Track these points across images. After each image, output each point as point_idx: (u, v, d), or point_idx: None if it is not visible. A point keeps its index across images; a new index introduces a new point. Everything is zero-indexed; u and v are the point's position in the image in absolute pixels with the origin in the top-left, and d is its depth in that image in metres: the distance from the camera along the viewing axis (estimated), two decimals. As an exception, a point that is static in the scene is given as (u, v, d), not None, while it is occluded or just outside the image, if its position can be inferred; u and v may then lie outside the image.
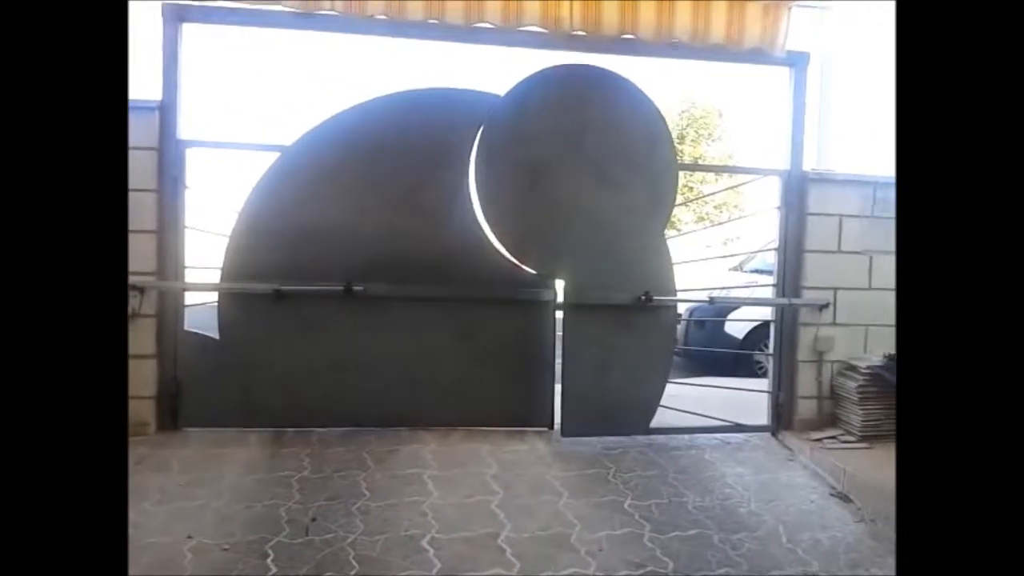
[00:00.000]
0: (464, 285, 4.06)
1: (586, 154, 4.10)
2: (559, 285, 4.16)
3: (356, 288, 3.91)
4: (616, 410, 4.20)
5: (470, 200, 4.07)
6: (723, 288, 6.07)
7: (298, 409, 4.01)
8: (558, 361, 4.21)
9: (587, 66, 4.11)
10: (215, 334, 3.97)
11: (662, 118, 4.25)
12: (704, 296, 4.86)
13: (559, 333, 4.20)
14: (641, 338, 4.21)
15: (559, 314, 4.19)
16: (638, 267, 4.17)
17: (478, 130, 4.04)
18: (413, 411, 4.12)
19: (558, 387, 4.22)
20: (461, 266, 4.06)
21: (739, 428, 4.36)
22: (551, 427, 4.24)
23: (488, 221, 4.07)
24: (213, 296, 3.97)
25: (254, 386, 3.97)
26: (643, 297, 4.10)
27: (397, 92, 4.02)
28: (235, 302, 3.95)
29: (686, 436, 4.27)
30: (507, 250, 4.10)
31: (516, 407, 4.25)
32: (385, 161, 4.00)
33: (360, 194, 4.00)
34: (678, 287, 4.26)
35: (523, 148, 4.07)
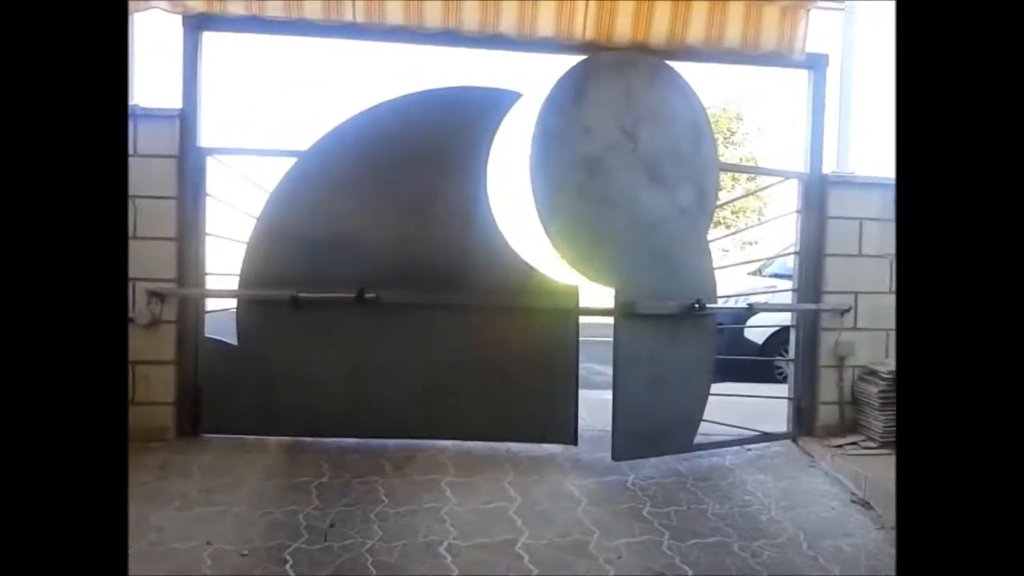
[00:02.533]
0: (483, 292, 3.96)
1: (639, 150, 3.90)
2: (609, 293, 3.95)
3: (368, 295, 3.83)
4: (668, 428, 3.99)
5: (488, 203, 3.97)
6: (745, 294, 6.02)
7: (316, 416, 3.98)
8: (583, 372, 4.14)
9: (639, 53, 3.96)
10: (234, 340, 3.98)
11: (706, 113, 4.12)
12: (742, 303, 4.80)
13: (584, 342, 4.08)
14: (690, 349, 4.03)
15: (584, 322, 4.07)
16: (689, 273, 4.01)
17: (495, 129, 3.94)
18: (430, 423, 4.00)
19: (582, 396, 4.12)
20: (479, 272, 3.97)
21: (761, 436, 4.30)
22: (575, 443, 4.02)
23: (544, 223, 3.84)
24: (233, 303, 3.98)
25: (273, 392, 3.96)
26: (695, 305, 3.91)
27: (410, 93, 3.95)
28: (253, 309, 3.96)
29: (704, 442, 4.21)
30: (563, 257, 3.88)
31: (537, 421, 4.02)
32: (400, 163, 3.93)
33: (375, 197, 3.95)
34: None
35: (579, 138, 3.85)
